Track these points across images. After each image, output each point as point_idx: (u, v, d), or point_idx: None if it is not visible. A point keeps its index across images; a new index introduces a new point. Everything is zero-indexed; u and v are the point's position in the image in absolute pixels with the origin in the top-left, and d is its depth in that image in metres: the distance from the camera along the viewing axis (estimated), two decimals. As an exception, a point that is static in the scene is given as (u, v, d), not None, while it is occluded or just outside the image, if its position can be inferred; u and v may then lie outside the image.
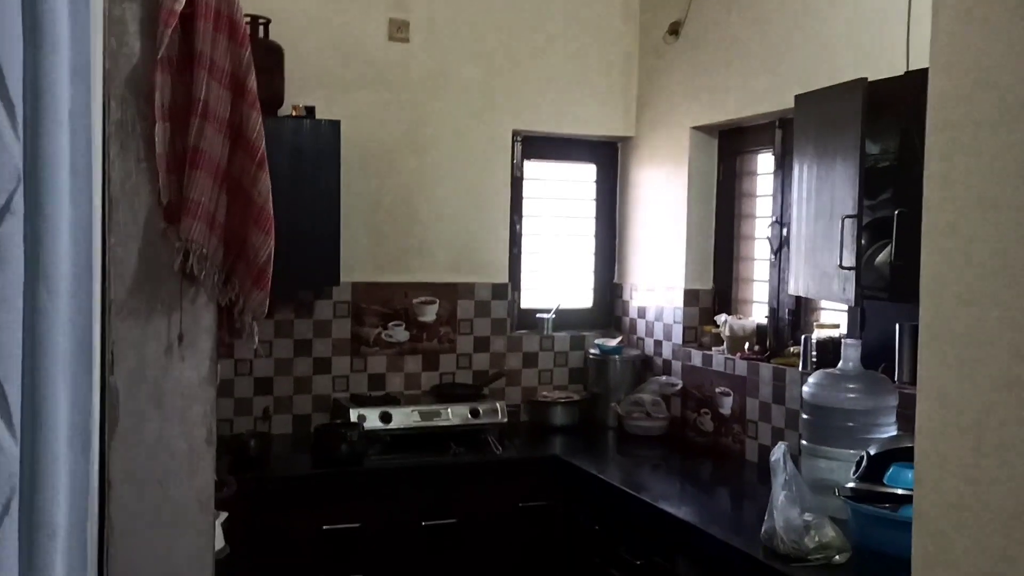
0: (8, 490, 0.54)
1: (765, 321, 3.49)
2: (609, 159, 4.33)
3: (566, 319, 4.22)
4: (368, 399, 3.70)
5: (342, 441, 3.27)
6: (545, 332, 4.13)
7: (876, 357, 2.69)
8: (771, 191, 3.50)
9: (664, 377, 3.89)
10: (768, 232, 3.47)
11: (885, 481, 2.30)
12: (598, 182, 4.34)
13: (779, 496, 2.27)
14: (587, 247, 4.33)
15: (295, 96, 3.51)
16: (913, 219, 1.85)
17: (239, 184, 1.85)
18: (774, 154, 3.47)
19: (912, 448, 1.13)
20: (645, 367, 4.04)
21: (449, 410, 3.62)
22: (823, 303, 3.20)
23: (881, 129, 2.37)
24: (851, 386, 2.59)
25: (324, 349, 3.79)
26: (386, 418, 3.49)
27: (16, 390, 0.54)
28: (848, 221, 2.40)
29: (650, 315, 4.07)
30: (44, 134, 0.55)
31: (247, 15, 3.39)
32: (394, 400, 3.70)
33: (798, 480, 2.31)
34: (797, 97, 2.77)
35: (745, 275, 3.78)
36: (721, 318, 3.61)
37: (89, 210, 0.56)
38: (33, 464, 0.54)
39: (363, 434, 3.34)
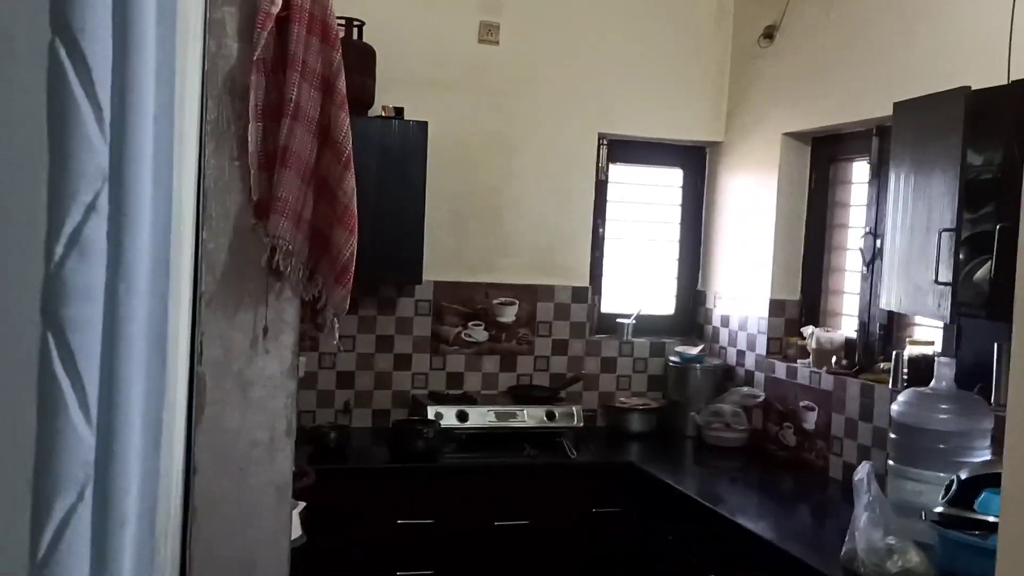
0: (83, 477, 0.56)
1: (854, 335, 3.38)
2: (697, 164, 4.27)
3: (647, 325, 4.17)
4: (446, 397, 3.73)
5: (419, 437, 3.31)
6: (625, 337, 4.10)
7: (972, 377, 2.58)
8: (866, 201, 3.39)
9: (746, 388, 3.81)
10: (861, 243, 3.36)
11: (976, 507, 2.19)
12: (684, 187, 4.28)
13: (862, 517, 2.20)
14: (671, 252, 4.28)
15: (385, 97, 3.56)
16: (1016, 234, 1.76)
17: (325, 183, 1.89)
18: (870, 163, 3.36)
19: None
20: (726, 377, 3.96)
21: (525, 412, 3.62)
22: (917, 319, 3.09)
23: (984, 140, 2.26)
24: (943, 406, 2.49)
25: (405, 346, 3.84)
26: (462, 417, 3.52)
27: (94, 383, 0.56)
28: (946, 235, 2.31)
29: (733, 324, 3.99)
30: (129, 136, 0.57)
31: (342, 17, 3.48)
32: (471, 399, 3.72)
33: (882, 502, 2.23)
34: (896, 104, 2.67)
35: (835, 287, 3.67)
36: (808, 330, 3.51)
37: (168, 210, 0.57)
38: (107, 455, 0.56)
39: (439, 431, 3.37)
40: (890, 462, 2.62)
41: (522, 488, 3.36)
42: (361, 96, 3.44)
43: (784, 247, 3.74)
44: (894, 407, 2.61)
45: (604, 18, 3.98)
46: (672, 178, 4.28)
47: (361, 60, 3.44)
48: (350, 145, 1.88)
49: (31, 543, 0.58)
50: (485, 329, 3.94)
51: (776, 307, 3.74)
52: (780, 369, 3.64)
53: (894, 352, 2.96)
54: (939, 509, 2.25)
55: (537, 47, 3.91)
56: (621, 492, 3.41)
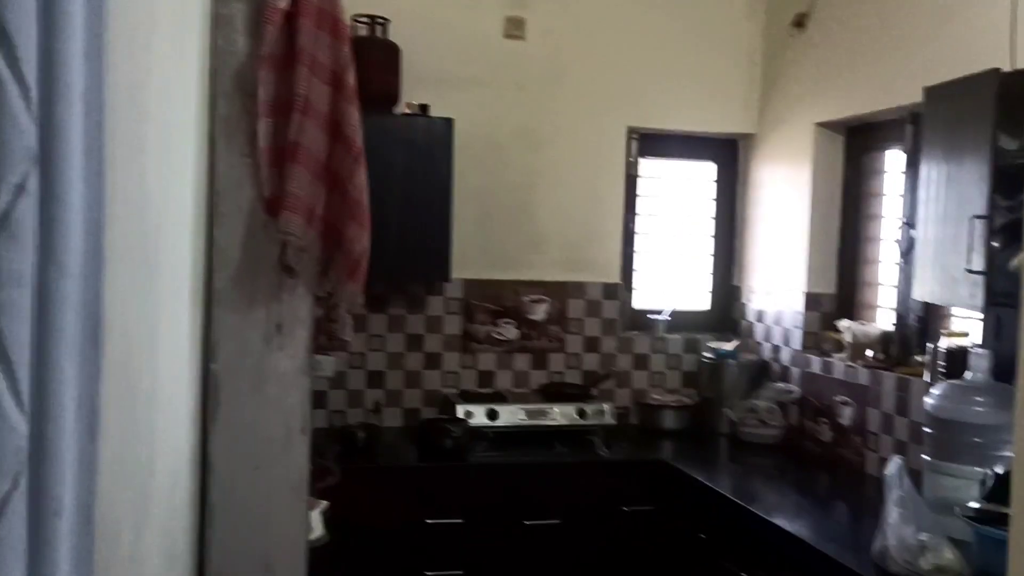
0: (17, 465, 0.55)
1: (891, 328, 3.29)
2: (729, 157, 4.20)
3: (681, 321, 4.11)
4: (476, 396, 3.71)
5: (446, 436, 3.30)
6: (658, 334, 4.04)
7: (1010, 369, 2.48)
8: (901, 190, 3.30)
9: (781, 384, 3.74)
10: (896, 234, 3.27)
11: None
12: (718, 181, 4.21)
13: (893, 513, 2.13)
14: (704, 247, 4.21)
15: (410, 94, 3.56)
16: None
17: (337, 178, 1.88)
18: (904, 151, 3.26)
19: None
20: (761, 373, 3.89)
21: (556, 409, 3.59)
22: (955, 310, 2.99)
23: (1016, 124, 2.18)
24: (979, 399, 2.41)
25: (435, 345, 3.83)
26: (492, 415, 3.50)
27: (25, 368, 0.55)
28: (978, 222, 2.23)
29: (768, 319, 3.92)
30: (58, 116, 0.56)
31: (366, 15, 3.49)
32: (502, 398, 3.70)
33: (915, 497, 2.17)
34: (926, 89, 2.59)
35: (871, 279, 3.58)
36: (843, 323, 3.43)
37: (101, 191, 0.56)
38: (41, 442, 0.55)
39: (468, 430, 3.36)
40: (926, 457, 2.54)
41: (552, 487, 3.33)
42: (386, 93, 3.45)
43: (819, 240, 3.66)
44: (928, 401, 2.54)
45: (631, 10, 3.93)
46: (705, 171, 4.21)
47: (386, 57, 3.45)
48: (360, 140, 1.87)
49: (-36, 533, 0.57)
50: (516, 327, 3.91)
51: (811, 301, 3.67)
52: (815, 364, 3.56)
53: (929, 344, 2.87)
54: (975, 505, 2.18)
55: (563, 41, 3.88)
56: (653, 490, 3.36)
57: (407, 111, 3.53)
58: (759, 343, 3.97)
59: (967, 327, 2.84)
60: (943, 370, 2.73)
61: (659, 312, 4.04)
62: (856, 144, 3.61)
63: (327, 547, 2.25)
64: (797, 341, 3.70)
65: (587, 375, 3.95)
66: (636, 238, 4.11)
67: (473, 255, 3.80)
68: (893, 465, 2.21)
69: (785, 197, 3.83)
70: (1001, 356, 2.50)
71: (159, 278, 1.06)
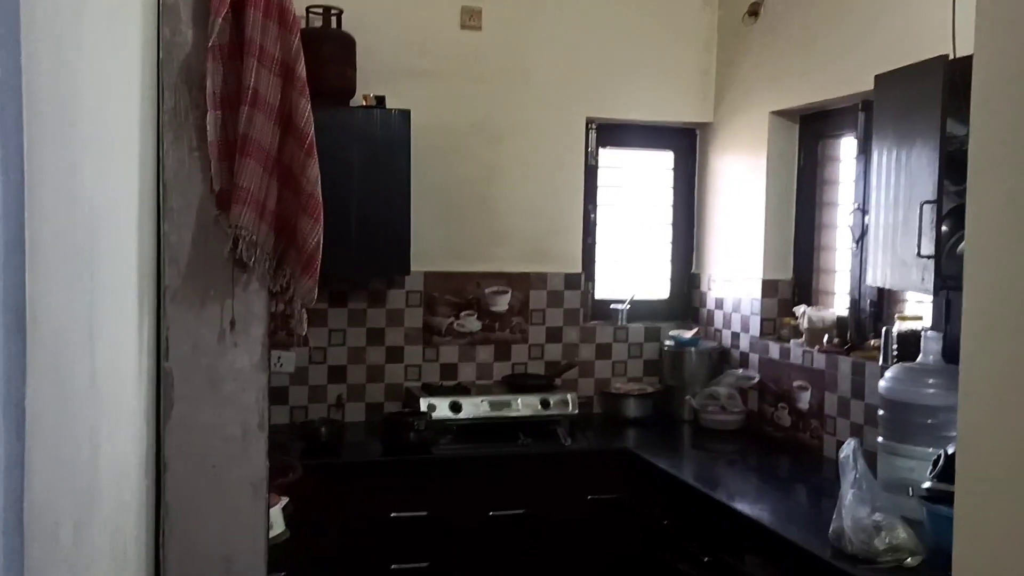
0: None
1: (846, 313, 3.34)
2: (687, 146, 4.22)
3: (641, 310, 4.14)
4: (439, 389, 3.70)
5: (410, 430, 3.28)
6: (619, 323, 4.06)
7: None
8: (854, 177, 3.35)
9: (741, 370, 3.78)
10: (850, 220, 3.32)
11: (965, 482, 2.16)
12: (676, 169, 4.24)
13: (848, 495, 2.17)
14: (664, 236, 4.24)
15: (367, 86, 3.53)
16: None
17: (289, 171, 1.86)
18: (857, 138, 3.31)
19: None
20: (722, 359, 3.93)
21: (519, 401, 3.60)
22: (908, 295, 3.05)
23: (964, 110, 2.21)
24: (931, 381, 2.45)
25: (397, 338, 3.81)
26: (456, 408, 3.49)
27: (-55, 364, 0.53)
28: (928, 207, 2.27)
29: (727, 306, 3.95)
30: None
31: (320, 6, 3.46)
32: (465, 390, 3.70)
33: (869, 478, 2.20)
34: (877, 77, 2.63)
35: (826, 265, 3.63)
36: (800, 309, 3.48)
37: (20, 179, 0.55)
38: (-37, 440, 0.54)
39: (431, 423, 3.35)
40: (880, 439, 2.58)
41: (517, 478, 3.34)
42: (342, 86, 3.42)
43: (775, 227, 3.70)
44: (882, 383, 2.58)
45: (587, 0, 3.94)
46: (663, 161, 4.24)
47: (341, 49, 3.41)
48: (312, 132, 1.85)
49: None
50: (478, 319, 3.91)
51: (769, 287, 3.70)
52: (774, 350, 3.61)
53: (883, 328, 2.92)
54: (927, 484, 2.22)
55: (521, 32, 3.87)
56: (617, 479, 3.38)
57: (364, 104, 3.49)
58: (719, 330, 4.01)
59: (920, 311, 2.89)
60: (896, 353, 2.78)
61: (621, 302, 4.06)
62: (811, 132, 3.65)
63: (288, 543, 2.24)
64: (756, 328, 3.74)
65: (550, 365, 3.96)
66: (597, 228, 4.12)
67: (434, 248, 3.78)
68: (848, 447, 2.24)
69: (742, 185, 3.86)
70: (952, 339, 2.54)
71: (98, 272, 1.04)
